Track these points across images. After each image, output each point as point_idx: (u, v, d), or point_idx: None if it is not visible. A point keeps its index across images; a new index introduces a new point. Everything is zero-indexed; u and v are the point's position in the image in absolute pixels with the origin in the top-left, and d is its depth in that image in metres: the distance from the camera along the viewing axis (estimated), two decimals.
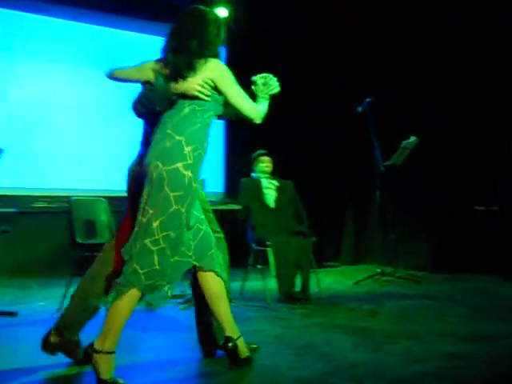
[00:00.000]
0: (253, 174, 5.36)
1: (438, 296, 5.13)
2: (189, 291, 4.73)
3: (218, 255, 2.91)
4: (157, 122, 2.77)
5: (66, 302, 4.19)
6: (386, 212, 6.28)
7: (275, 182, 5.33)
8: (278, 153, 5.57)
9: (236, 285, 5.33)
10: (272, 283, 4.96)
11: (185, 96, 2.72)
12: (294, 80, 7.57)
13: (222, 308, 2.84)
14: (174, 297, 4.78)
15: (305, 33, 7.47)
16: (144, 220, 2.59)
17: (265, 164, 5.35)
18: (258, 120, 2.86)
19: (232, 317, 2.88)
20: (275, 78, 2.96)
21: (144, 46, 6.72)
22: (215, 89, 2.74)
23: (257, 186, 5.24)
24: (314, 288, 4.92)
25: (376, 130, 5.84)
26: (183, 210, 2.61)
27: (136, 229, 2.62)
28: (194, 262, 2.76)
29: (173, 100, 2.74)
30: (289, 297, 4.71)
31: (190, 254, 2.73)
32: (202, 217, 2.85)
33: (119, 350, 2.58)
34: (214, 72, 2.74)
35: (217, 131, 7.84)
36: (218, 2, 7.33)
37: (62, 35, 6.78)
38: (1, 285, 5.30)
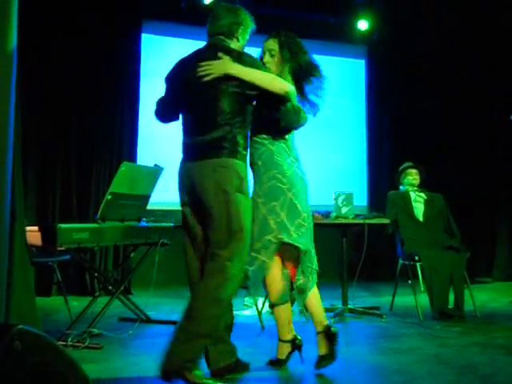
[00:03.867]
0: (400, 187, 5.27)
1: None
2: (339, 305, 4.75)
3: None
4: None
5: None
6: None
7: (423, 195, 5.20)
8: (425, 164, 5.43)
9: (386, 300, 5.27)
10: (423, 299, 4.83)
11: None
12: (439, 91, 7.43)
13: None
14: (325, 310, 4.83)
15: (453, 45, 7.29)
16: None
17: (412, 177, 5.23)
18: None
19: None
20: None
21: None
22: None
23: (405, 199, 5.14)
24: (467, 305, 4.72)
25: None
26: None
27: None
28: None
29: None
30: (442, 314, 4.56)
31: None
32: None
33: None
34: None
35: (360, 143, 7.82)
36: (360, 15, 7.36)
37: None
38: (160, 295, 5.62)
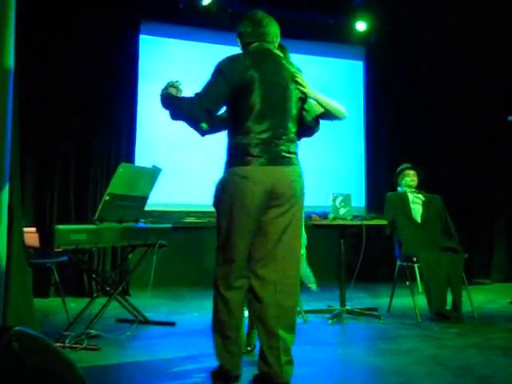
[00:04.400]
0: (398, 189, 5.27)
1: None
2: (337, 306, 4.77)
3: None
4: None
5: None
6: None
7: (421, 197, 5.20)
8: (423, 165, 5.43)
9: (384, 301, 5.27)
10: (421, 300, 4.84)
11: None
12: (437, 92, 7.44)
13: None
14: (323, 311, 4.84)
15: (451, 46, 7.31)
16: None
17: (410, 178, 5.23)
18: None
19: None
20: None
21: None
22: None
23: (403, 200, 5.14)
24: (465, 306, 4.73)
25: None
26: None
27: None
28: None
29: None
30: (440, 315, 4.56)
31: None
32: None
33: None
34: None
35: (358, 145, 7.83)
36: (358, 16, 7.37)
37: (211, 59, 7.10)
38: (158, 296, 5.61)
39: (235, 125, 2.82)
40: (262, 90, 2.73)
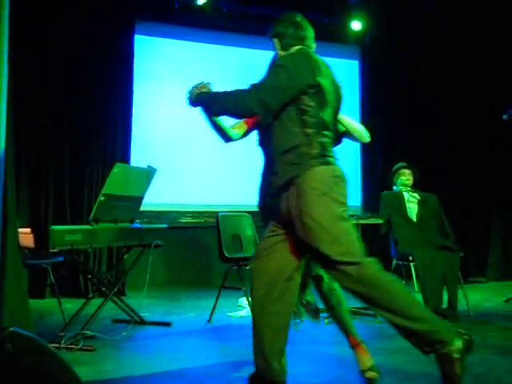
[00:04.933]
0: (394, 188, 5.27)
1: None
2: None
3: None
4: None
5: (216, 314, 4.41)
6: None
7: (417, 196, 5.20)
8: (419, 164, 5.44)
9: None
10: (417, 299, 4.83)
11: None
12: (434, 91, 7.45)
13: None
14: (320, 311, 4.83)
15: (450, 45, 7.32)
16: None
17: (406, 177, 5.23)
18: None
19: None
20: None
21: None
22: None
23: (399, 199, 5.14)
24: (461, 305, 4.73)
25: None
26: None
27: None
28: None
29: None
30: (436, 313, 4.54)
31: None
32: None
33: None
34: None
35: (354, 144, 7.82)
36: (353, 15, 7.38)
37: (207, 59, 7.12)
38: (154, 296, 5.61)
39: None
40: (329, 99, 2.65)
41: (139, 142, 6.70)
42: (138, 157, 6.51)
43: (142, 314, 4.49)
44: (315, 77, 2.57)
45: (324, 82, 2.60)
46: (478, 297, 5.82)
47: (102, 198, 3.89)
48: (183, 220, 6.82)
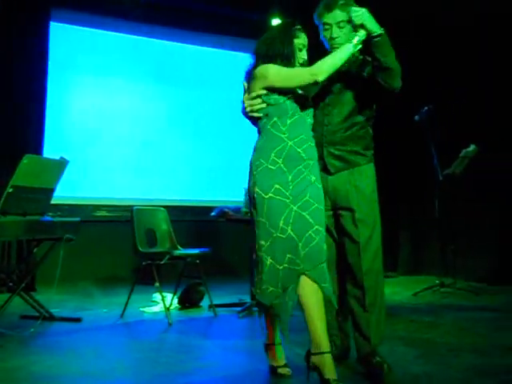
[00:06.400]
0: None
1: (498, 308, 5.00)
2: (248, 299, 4.80)
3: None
4: None
5: (129, 310, 4.34)
6: (444, 222, 6.17)
7: None
8: None
9: None
10: None
11: None
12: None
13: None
14: (233, 305, 4.86)
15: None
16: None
17: None
18: (316, 78, 2.70)
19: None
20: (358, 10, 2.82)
21: (216, 62, 6.97)
22: (274, 91, 2.73)
23: None
24: None
25: (434, 139, 5.75)
26: (264, 220, 2.64)
27: None
28: (302, 271, 2.60)
29: None
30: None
31: (298, 261, 2.60)
32: (321, 229, 2.68)
33: (183, 356, 2.64)
34: (261, 80, 2.74)
35: None
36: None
37: (125, 50, 6.98)
38: (65, 291, 5.46)
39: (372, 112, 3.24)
40: None
41: (53, 134, 6.49)
42: (53, 149, 6.30)
43: (52, 310, 4.36)
44: None
45: None
46: (388, 291, 5.98)
47: (11, 190, 3.77)
48: (98, 214, 6.67)
